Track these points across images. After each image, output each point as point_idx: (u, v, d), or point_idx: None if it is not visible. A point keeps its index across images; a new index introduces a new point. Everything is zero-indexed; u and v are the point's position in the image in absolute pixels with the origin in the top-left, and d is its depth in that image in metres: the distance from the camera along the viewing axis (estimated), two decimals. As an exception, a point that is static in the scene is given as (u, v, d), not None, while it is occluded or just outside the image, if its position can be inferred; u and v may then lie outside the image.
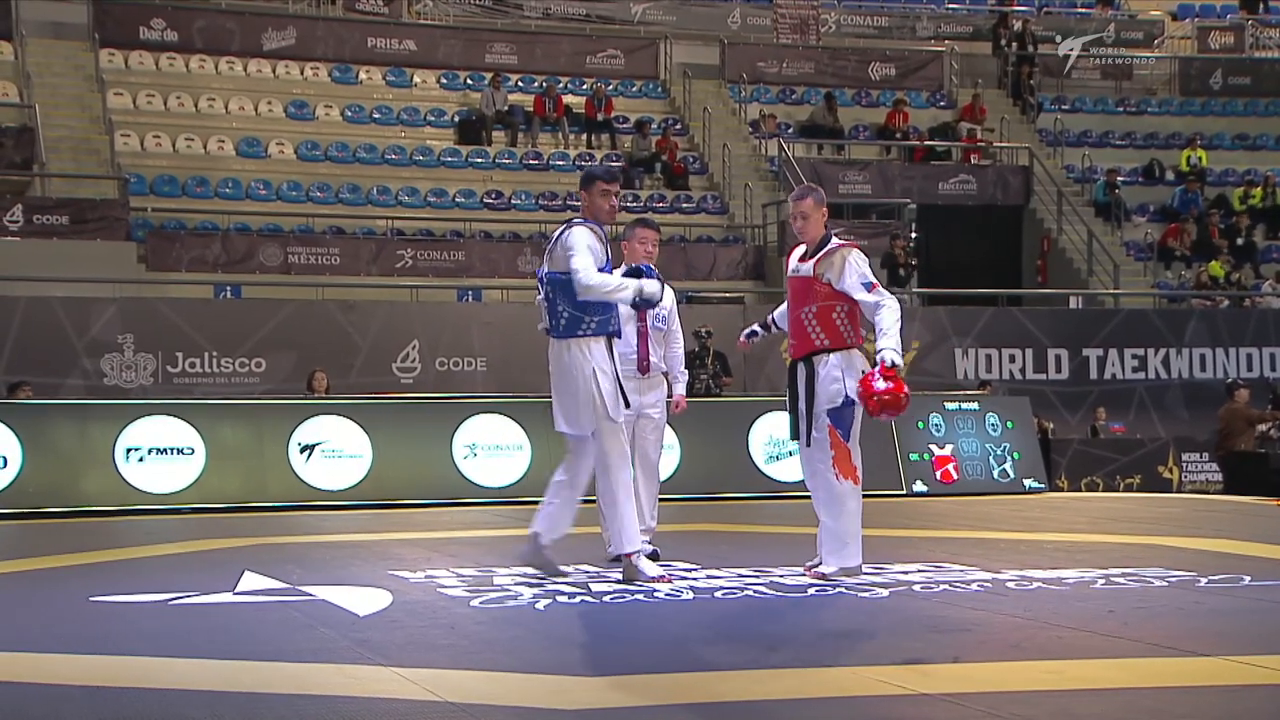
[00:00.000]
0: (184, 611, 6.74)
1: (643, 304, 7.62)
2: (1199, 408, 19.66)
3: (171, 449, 12.57)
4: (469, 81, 25.24)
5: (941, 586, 7.25)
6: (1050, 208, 24.86)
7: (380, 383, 16.70)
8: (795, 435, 7.76)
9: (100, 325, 16.24)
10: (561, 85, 25.38)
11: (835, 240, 7.74)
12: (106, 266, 17.90)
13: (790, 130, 25.65)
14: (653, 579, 7.45)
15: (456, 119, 24.44)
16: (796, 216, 7.81)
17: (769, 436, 13.75)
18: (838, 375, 7.56)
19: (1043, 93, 28.15)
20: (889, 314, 7.47)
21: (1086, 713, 4.57)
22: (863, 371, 7.55)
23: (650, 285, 7.56)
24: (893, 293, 8.03)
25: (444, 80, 25.30)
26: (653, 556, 8.38)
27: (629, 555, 7.59)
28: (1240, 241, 24.98)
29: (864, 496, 7.72)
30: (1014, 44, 28.41)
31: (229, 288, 19.20)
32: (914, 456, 14.13)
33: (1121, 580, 7.40)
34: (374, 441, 13.03)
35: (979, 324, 19.80)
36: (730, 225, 23.37)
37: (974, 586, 7.25)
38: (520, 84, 25.44)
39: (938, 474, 14.14)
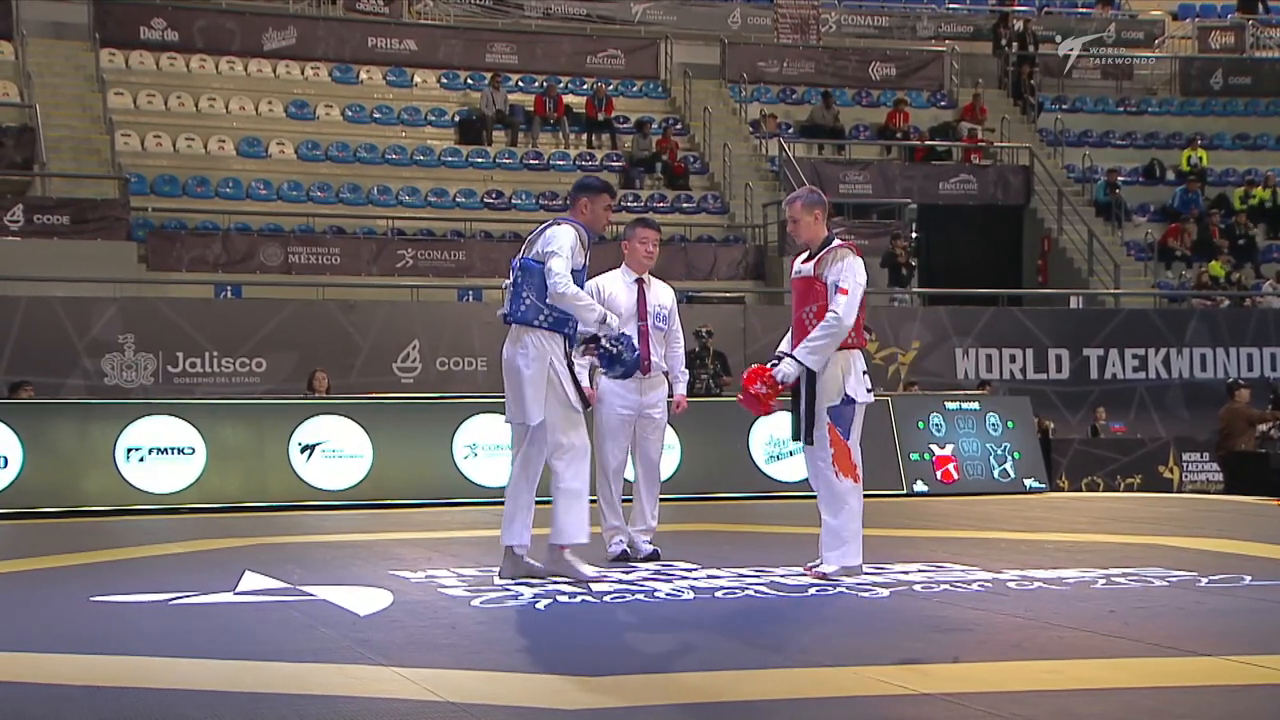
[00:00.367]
0: (184, 611, 6.73)
1: (601, 339, 7.46)
2: (1199, 408, 19.66)
3: (172, 449, 12.58)
4: (469, 81, 25.25)
5: (942, 586, 7.25)
6: (1051, 208, 24.87)
7: (381, 383, 16.68)
8: (797, 436, 7.75)
9: (101, 325, 16.24)
10: (562, 85, 25.39)
11: (837, 241, 7.75)
12: (107, 266, 17.91)
13: (791, 130, 25.65)
14: (589, 579, 7.41)
15: (457, 119, 24.45)
16: (789, 220, 7.85)
17: (769, 436, 13.75)
18: (838, 375, 7.55)
19: (1043, 93, 28.15)
20: (827, 328, 7.41)
21: (1086, 713, 4.57)
22: (772, 363, 7.53)
23: (613, 320, 7.46)
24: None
25: (444, 80, 25.31)
26: (653, 556, 8.39)
27: (564, 548, 7.51)
28: (1241, 241, 24.99)
29: (865, 496, 7.71)
30: (1014, 44, 28.41)
31: (229, 288, 19.20)
32: (914, 456, 14.13)
33: (1122, 580, 7.40)
34: (374, 441, 13.04)
35: (979, 324, 19.78)
36: (731, 225, 23.37)
37: (974, 586, 7.24)
38: (521, 84, 25.46)
39: (938, 474, 14.15)
